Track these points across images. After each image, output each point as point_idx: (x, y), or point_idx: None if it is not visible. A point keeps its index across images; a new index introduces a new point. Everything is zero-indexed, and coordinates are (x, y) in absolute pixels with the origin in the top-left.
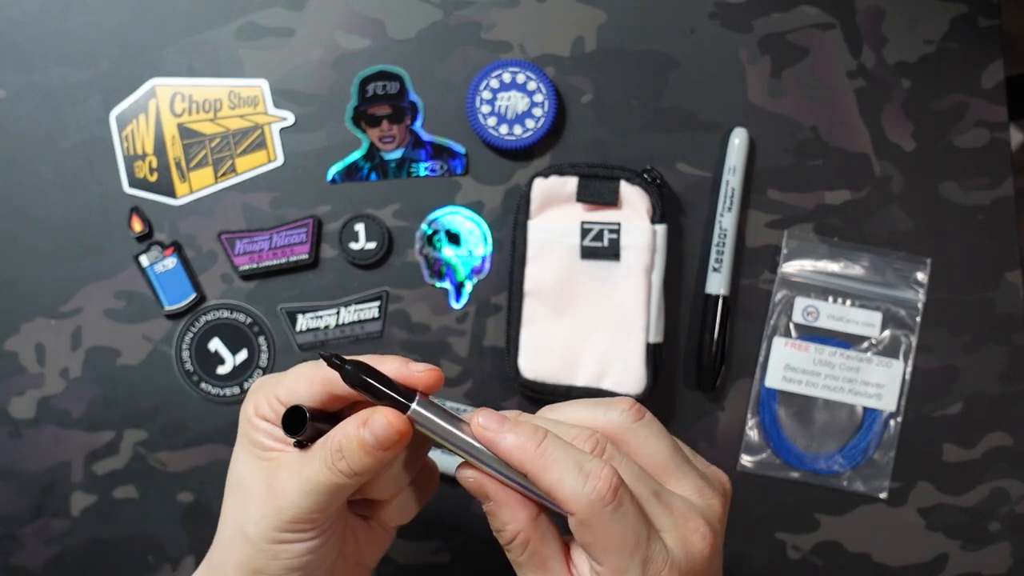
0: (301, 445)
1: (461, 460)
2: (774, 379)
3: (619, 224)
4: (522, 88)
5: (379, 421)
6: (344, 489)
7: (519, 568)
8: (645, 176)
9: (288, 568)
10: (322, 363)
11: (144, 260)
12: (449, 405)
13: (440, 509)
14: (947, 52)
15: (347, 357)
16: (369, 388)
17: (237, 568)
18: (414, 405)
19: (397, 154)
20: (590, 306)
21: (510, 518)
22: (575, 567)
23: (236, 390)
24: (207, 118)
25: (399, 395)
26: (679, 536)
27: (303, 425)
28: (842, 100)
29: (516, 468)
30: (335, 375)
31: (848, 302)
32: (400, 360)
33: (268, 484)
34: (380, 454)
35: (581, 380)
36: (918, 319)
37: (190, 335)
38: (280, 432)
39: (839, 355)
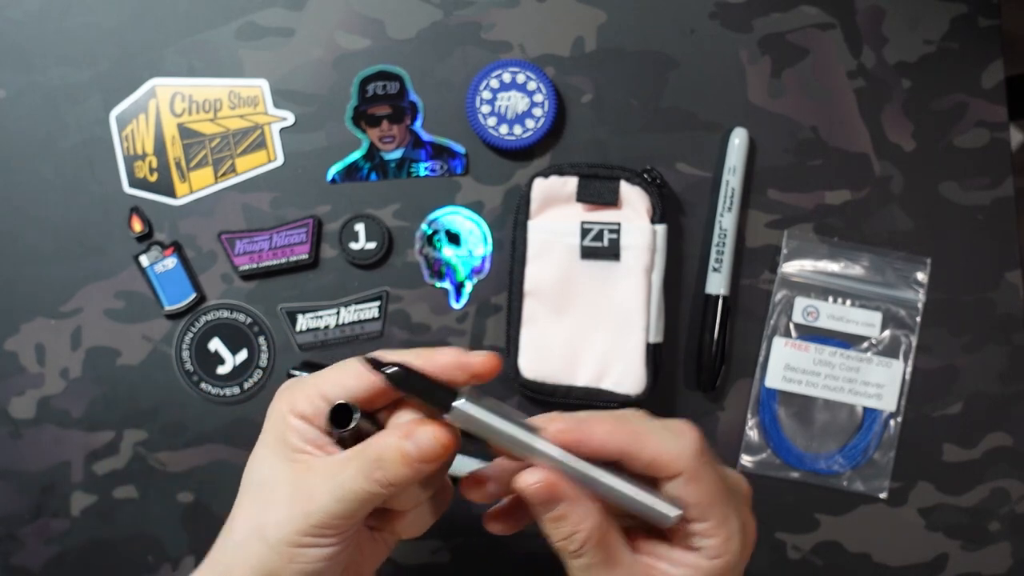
0: (343, 442)
1: (498, 469)
2: (774, 379)
3: (619, 224)
4: (522, 88)
5: (426, 435)
6: (377, 498)
7: (586, 571)
8: (645, 176)
9: (302, 573)
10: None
11: (144, 260)
12: None
13: None
14: (947, 52)
15: (390, 358)
16: (415, 389)
17: (250, 571)
18: (459, 403)
19: (397, 154)
20: (590, 306)
21: (585, 514)
22: (658, 552)
23: (236, 390)
24: (207, 118)
25: (444, 393)
26: (726, 473)
27: (348, 421)
28: (842, 100)
29: (613, 453)
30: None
31: (848, 302)
32: (455, 351)
33: (296, 486)
34: (420, 466)
35: (581, 380)
36: (918, 319)
37: (190, 335)
38: (313, 434)
39: (839, 355)
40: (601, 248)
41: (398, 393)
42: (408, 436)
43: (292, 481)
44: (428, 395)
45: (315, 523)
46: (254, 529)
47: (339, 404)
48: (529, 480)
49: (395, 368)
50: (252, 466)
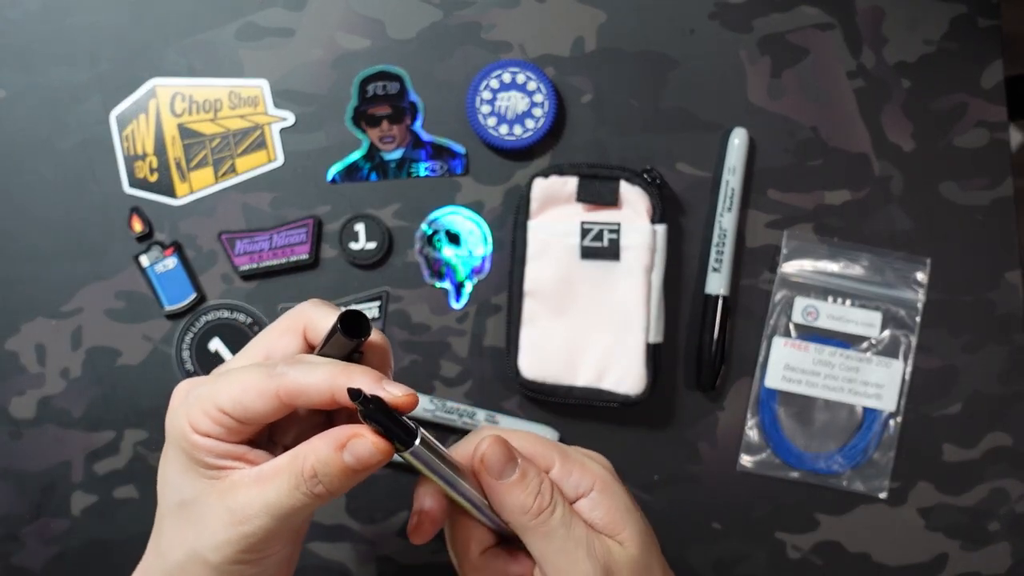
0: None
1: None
2: (774, 379)
3: (619, 224)
4: (522, 88)
5: (364, 447)
6: (315, 507)
7: (556, 534)
8: (645, 176)
9: None
10: (273, 377)
11: (144, 260)
12: (450, 405)
13: None
14: (947, 52)
15: (369, 389)
16: (380, 423)
17: None
18: (416, 444)
19: (397, 154)
20: (590, 306)
21: (537, 469)
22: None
23: None
24: (207, 118)
25: (403, 433)
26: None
27: (359, 329)
28: (842, 100)
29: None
30: (295, 391)
31: (848, 302)
32: (373, 376)
33: (225, 507)
34: (360, 476)
35: (581, 380)
36: (918, 319)
37: (190, 335)
38: (222, 448)
39: (839, 355)
40: (601, 248)
41: (289, 412)
42: (345, 447)
43: (219, 501)
44: (389, 431)
45: (257, 542)
46: (191, 554)
47: (350, 310)
48: (484, 444)
49: (371, 404)
50: (168, 485)
